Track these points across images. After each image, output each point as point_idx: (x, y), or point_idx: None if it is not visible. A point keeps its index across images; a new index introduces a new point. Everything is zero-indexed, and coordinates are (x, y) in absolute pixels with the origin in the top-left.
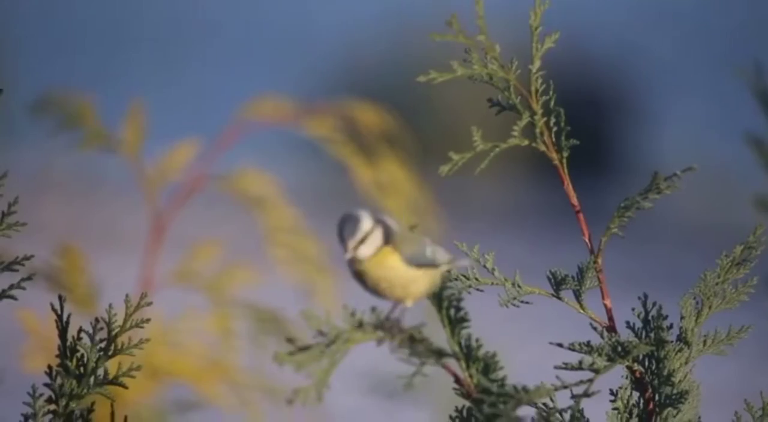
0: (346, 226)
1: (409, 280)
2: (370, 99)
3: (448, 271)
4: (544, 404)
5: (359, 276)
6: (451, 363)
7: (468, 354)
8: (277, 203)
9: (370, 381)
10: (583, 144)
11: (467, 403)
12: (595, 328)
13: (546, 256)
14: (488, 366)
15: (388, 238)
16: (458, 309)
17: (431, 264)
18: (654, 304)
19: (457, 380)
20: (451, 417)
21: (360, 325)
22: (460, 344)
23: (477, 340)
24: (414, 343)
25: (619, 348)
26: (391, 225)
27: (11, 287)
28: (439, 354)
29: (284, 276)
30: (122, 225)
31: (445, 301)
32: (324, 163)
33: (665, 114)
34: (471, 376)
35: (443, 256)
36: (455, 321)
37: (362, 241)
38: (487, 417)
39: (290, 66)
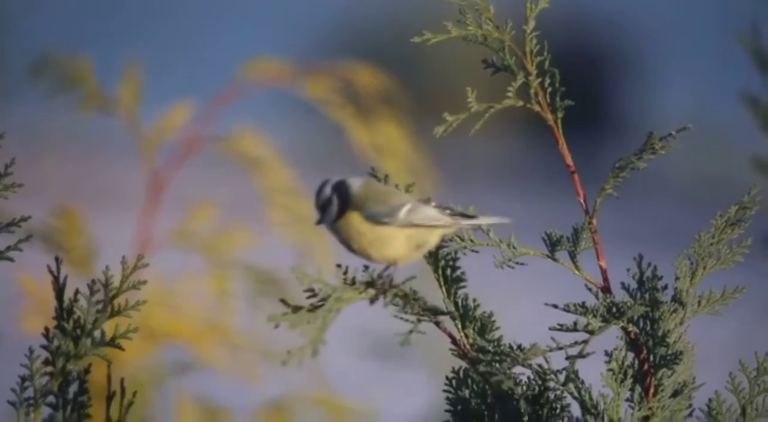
0: (316, 193)
1: (376, 238)
2: (368, 59)
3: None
4: (539, 365)
5: (335, 235)
6: (447, 322)
7: (464, 314)
8: (274, 164)
9: (367, 342)
10: (580, 102)
11: (464, 364)
12: (590, 289)
13: (543, 214)
14: (485, 327)
15: (348, 202)
16: (454, 268)
17: (404, 224)
18: (649, 265)
19: (453, 340)
20: (447, 377)
21: (352, 283)
22: (456, 304)
23: (474, 300)
24: (408, 301)
25: (614, 309)
26: (353, 188)
27: (8, 248)
28: (434, 311)
29: (281, 238)
30: (119, 185)
31: (441, 261)
32: (321, 125)
33: (662, 72)
34: (467, 336)
35: (431, 218)
36: (451, 281)
37: (323, 208)
38: (482, 376)
39: (288, 26)
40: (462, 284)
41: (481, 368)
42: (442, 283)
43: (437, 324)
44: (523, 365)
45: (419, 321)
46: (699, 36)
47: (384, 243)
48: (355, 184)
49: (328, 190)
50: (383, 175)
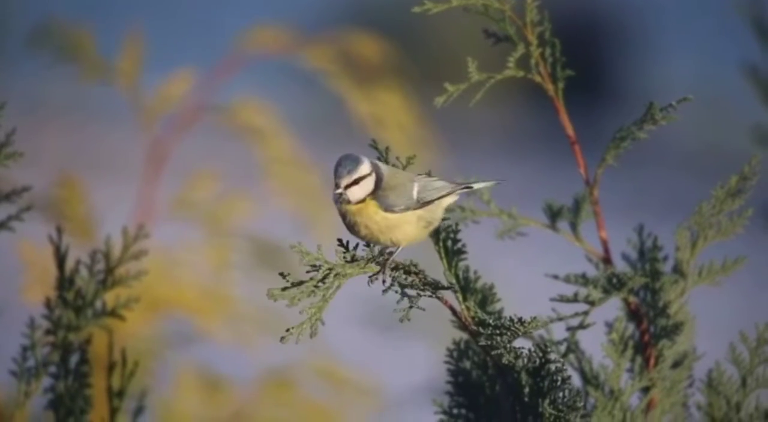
0: (344, 163)
1: (388, 226)
2: (370, 28)
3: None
4: (540, 336)
5: (342, 216)
6: (448, 295)
7: (466, 286)
8: (276, 134)
9: (368, 312)
10: (581, 71)
11: (465, 336)
12: (590, 260)
13: (545, 181)
14: (486, 299)
15: (377, 187)
16: (455, 240)
17: (417, 206)
18: (649, 235)
19: (454, 312)
20: (448, 348)
21: (353, 260)
22: (457, 276)
23: (475, 272)
24: (409, 276)
25: (615, 280)
26: (383, 174)
27: (10, 218)
28: (434, 286)
29: (282, 208)
30: (120, 155)
31: (442, 233)
32: (321, 95)
33: (663, 42)
34: (468, 308)
35: (439, 189)
36: (452, 253)
37: (356, 183)
38: (483, 350)
39: None
40: (463, 256)
41: (482, 341)
42: (443, 255)
43: (438, 297)
44: (525, 336)
45: (419, 295)
46: (700, 5)
47: (395, 228)
48: (384, 169)
49: (366, 168)
50: (384, 147)
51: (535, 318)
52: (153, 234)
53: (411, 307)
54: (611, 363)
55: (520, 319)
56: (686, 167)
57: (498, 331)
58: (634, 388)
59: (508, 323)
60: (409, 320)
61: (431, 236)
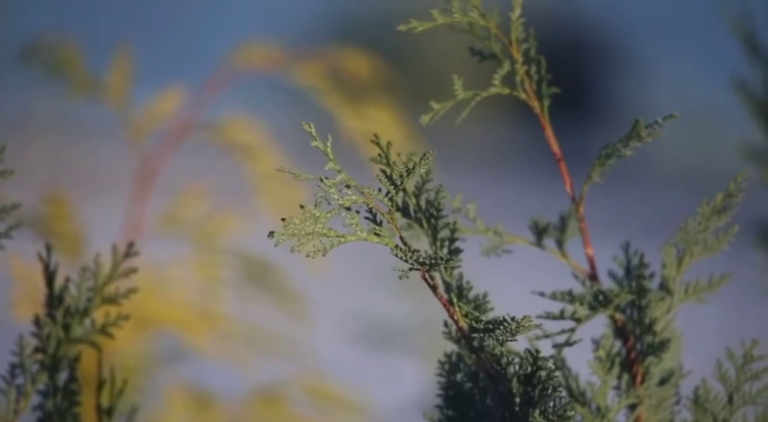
0: None
1: None
2: (361, 44)
3: None
4: (529, 347)
5: None
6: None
7: (459, 293)
8: (265, 151)
9: (359, 329)
10: (567, 87)
11: (456, 348)
12: (576, 277)
13: (531, 197)
14: (479, 308)
15: None
16: (453, 240)
17: None
18: (636, 252)
19: (446, 308)
20: (440, 361)
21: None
22: (449, 284)
23: (467, 282)
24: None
25: (601, 297)
26: None
27: None
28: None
29: (271, 225)
30: (109, 172)
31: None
32: (311, 112)
33: (651, 57)
34: (460, 307)
35: None
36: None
37: None
38: (474, 351)
39: (279, 10)
40: (458, 262)
41: (475, 343)
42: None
43: (434, 290)
44: (518, 334)
45: (427, 263)
46: (688, 19)
47: None
48: None
49: None
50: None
51: (525, 316)
52: (142, 251)
53: (411, 269)
54: (598, 381)
55: (513, 317)
56: (673, 183)
57: (491, 327)
58: (620, 405)
59: (500, 319)
60: (407, 278)
61: (428, 236)
